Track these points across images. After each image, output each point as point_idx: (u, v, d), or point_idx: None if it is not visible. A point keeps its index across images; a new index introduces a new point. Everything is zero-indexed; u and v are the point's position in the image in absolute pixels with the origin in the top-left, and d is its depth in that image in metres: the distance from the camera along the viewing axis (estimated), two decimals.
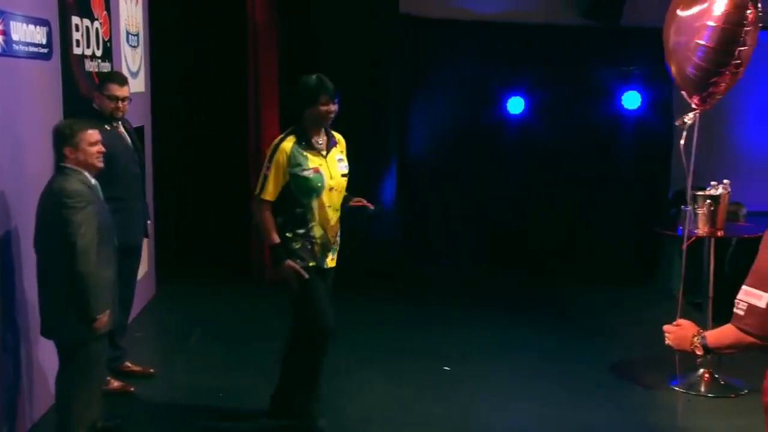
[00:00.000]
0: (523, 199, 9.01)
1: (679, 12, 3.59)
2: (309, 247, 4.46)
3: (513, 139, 9.10)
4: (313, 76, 4.41)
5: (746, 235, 5.94)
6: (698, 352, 2.78)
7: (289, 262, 4.38)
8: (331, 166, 4.49)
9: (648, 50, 8.10)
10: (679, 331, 2.85)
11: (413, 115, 9.17)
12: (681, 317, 3.02)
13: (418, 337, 6.60)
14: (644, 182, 9.11)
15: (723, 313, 3.34)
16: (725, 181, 5.65)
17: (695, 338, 2.77)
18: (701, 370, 5.54)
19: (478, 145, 9.19)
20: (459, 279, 8.61)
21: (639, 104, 8.86)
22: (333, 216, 4.53)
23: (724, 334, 2.70)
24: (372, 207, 4.64)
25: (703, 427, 4.97)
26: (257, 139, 8.03)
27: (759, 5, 3.45)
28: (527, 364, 5.96)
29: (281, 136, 4.52)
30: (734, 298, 2.66)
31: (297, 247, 4.44)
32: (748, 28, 3.47)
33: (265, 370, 5.17)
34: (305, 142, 4.43)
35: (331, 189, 4.48)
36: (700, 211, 5.60)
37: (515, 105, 9.05)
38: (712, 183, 5.67)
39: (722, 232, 5.67)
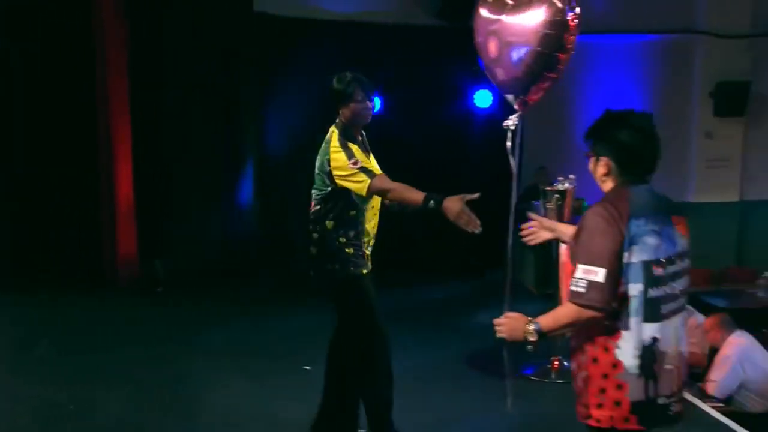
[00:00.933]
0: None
1: (503, 17, 3.72)
2: (360, 253, 4.17)
3: (370, 139, 9.02)
4: (348, 73, 4.15)
5: None
6: (532, 339, 2.89)
7: (452, 199, 3.74)
8: (374, 167, 4.12)
9: None
10: (511, 323, 2.96)
11: (270, 114, 9.10)
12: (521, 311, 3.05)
13: (277, 337, 6.58)
14: (496, 178, 9.33)
15: None
16: (571, 176, 5.79)
17: (528, 326, 2.90)
18: (551, 358, 5.74)
19: None
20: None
21: (490, 103, 9.04)
22: (376, 219, 4.30)
23: (560, 315, 2.88)
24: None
25: (554, 412, 5.08)
26: (107, 143, 7.76)
27: (578, 10, 3.64)
28: None
29: (331, 132, 4.17)
30: None
31: (350, 252, 4.13)
32: (571, 36, 3.63)
33: (118, 380, 5.03)
34: (352, 140, 4.15)
35: None
36: (548, 206, 5.77)
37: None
38: (560, 178, 5.82)
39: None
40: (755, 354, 5.98)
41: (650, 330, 2.80)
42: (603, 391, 2.86)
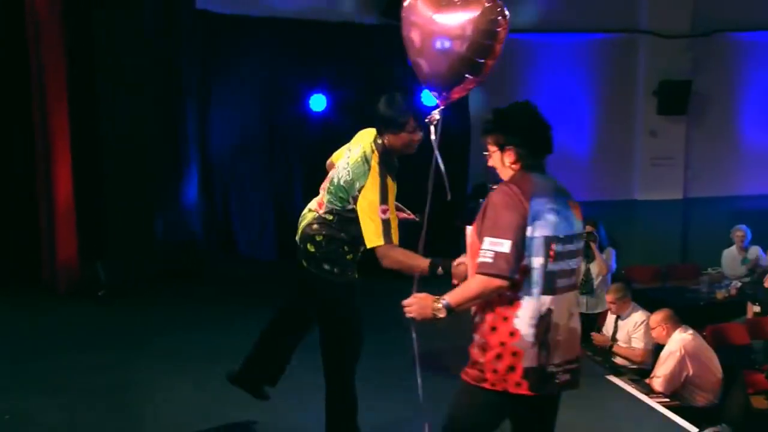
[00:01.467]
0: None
1: (434, 15, 3.77)
2: (357, 259, 4.15)
3: (315, 137, 9.07)
4: (399, 97, 3.97)
5: None
6: (441, 315, 3.12)
7: (461, 262, 3.58)
8: (394, 226, 3.90)
9: None
10: (419, 302, 3.20)
11: (214, 113, 9.04)
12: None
13: (223, 340, 6.43)
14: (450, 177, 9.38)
15: None
16: None
17: (435, 303, 3.14)
18: None
19: (281, 142, 9.19)
20: (264, 277, 8.44)
21: (436, 101, 9.03)
22: None
23: (466, 289, 3.12)
24: (417, 218, 4.22)
25: None
26: (45, 141, 7.58)
27: (507, 15, 3.70)
28: None
29: (370, 150, 3.92)
30: None
31: (350, 258, 4.11)
32: (499, 45, 3.70)
33: (58, 388, 4.92)
34: (392, 168, 3.98)
35: None
36: None
37: (317, 102, 9.11)
38: None
39: None
40: (699, 350, 6.11)
41: (547, 302, 3.06)
42: (499, 356, 3.10)
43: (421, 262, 3.72)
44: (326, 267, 4.08)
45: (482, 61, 3.70)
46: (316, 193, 4.25)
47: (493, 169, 3.34)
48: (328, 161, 4.39)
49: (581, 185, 9.86)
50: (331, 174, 4.19)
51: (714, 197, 10.75)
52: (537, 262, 3.05)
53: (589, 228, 8.02)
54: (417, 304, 3.19)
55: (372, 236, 3.82)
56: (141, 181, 8.11)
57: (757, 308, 7.90)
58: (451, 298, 3.12)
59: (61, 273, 7.69)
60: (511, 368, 3.09)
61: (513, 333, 3.08)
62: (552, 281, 3.07)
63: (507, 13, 3.72)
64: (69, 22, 7.60)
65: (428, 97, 9.40)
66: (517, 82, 9.83)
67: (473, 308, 3.21)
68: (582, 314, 7.71)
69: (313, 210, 4.17)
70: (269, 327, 4.54)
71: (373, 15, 9.06)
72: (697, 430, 4.87)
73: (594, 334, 7.25)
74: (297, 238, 4.23)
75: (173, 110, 8.41)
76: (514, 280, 3.03)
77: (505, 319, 3.09)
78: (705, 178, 10.75)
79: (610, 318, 7.12)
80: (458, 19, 3.68)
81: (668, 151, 10.56)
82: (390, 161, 3.97)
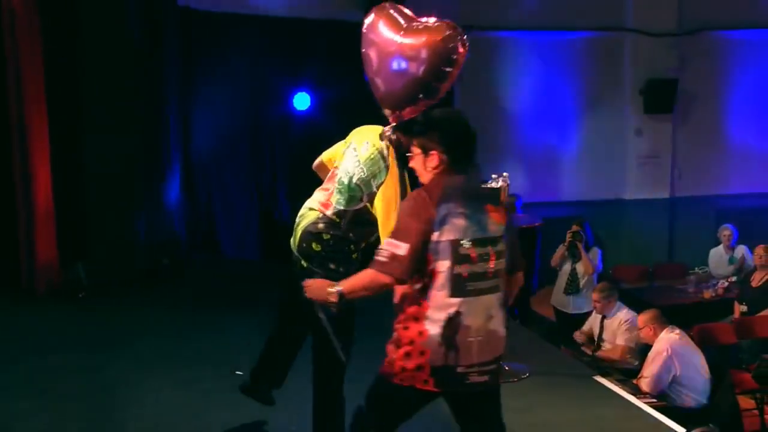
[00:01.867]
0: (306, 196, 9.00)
1: (395, 37, 3.79)
2: (358, 257, 4.09)
3: (299, 136, 9.08)
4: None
5: (523, 225, 6.32)
6: (333, 299, 3.34)
7: None
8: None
9: None
10: (316, 284, 3.46)
11: (196, 112, 9.01)
12: None
13: (207, 341, 6.43)
14: None
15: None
16: (504, 173, 5.52)
17: (330, 288, 3.36)
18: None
19: (265, 141, 9.16)
20: (247, 277, 8.43)
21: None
22: None
23: (359, 279, 3.33)
24: None
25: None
26: (23, 142, 7.46)
27: (467, 43, 3.76)
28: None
29: (393, 156, 3.83)
30: None
31: (354, 258, 4.06)
32: (456, 70, 3.76)
33: (40, 392, 4.87)
34: (405, 165, 3.75)
35: None
36: None
37: (301, 101, 9.12)
38: (493, 176, 5.52)
39: None
40: (687, 349, 6.16)
41: (455, 304, 3.18)
42: (408, 354, 3.26)
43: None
44: (331, 266, 3.99)
45: (438, 85, 3.76)
46: (305, 193, 4.20)
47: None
48: (318, 161, 4.33)
49: (567, 184, 10.34)
50: (337, 173, 4.08)
51: (701, 196, 10.82)
52: (444, 265, 3.18)
53: (575, 227, 8.11)
54: (314, 286, 3.45)
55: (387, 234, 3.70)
56: (122, 181, 8.02)
57: (744, 308, 7.91)
58: (344, 285, 3.35)
59: (41, 274, 7.60)
60: (419, 367, 3.25)
61: (422, 333, 3.24)
62: (461, 283, 3.19)
63: (466, 40, 3.76)
64: (46, 17, 7.48)
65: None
66: (502, 80, 9.91)
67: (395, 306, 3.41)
68: (569, 314, 8.02)
69: (316, 209, 4.09)
70: (273, 335, 4.46)
71: (357, 12, 8.67)
72: (685, 430, 4.87)
73: (576, 333, 7.28)
74: (295, 238, 4.13)
75: (155, 109, 8.33)
76: (405, 281, 3.23)
77: (416, 318, 3.26)
78: (691, 177, 10.79)
79: (596, 317, 7.12)
80: (417, 43, 3.73)
81: (655, 150, 10.62)
82: (403, 158, 3.83)
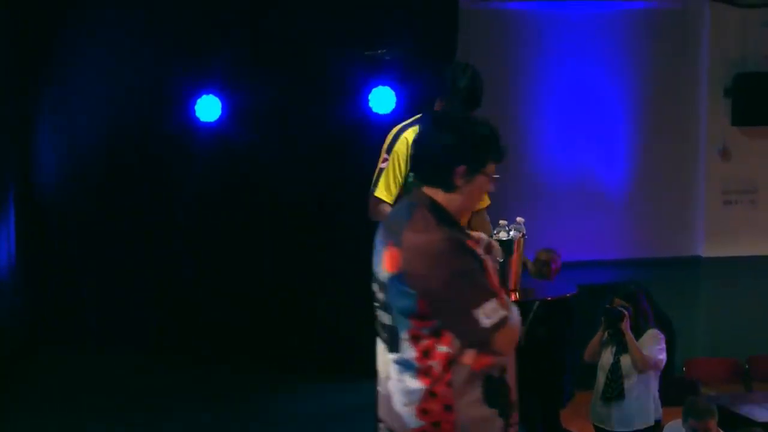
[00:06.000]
0: (219, 248, 8.67)
1: None
2: None
3: (204, 159, 8.74)
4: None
5: (549, 297, 6.08)
6: None
7: None
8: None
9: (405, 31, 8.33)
10: None
11: (43, 126, 8.74)
12: None
13: None
14: None
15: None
16: (519, 219, 5.61)
17: None
18: None
19: (151, 169, 8.74)
20: (112, 375, 8.23)
21: (393, 105, 8.76)
22: None
23: None
24: None
25: None
26: None
27: None
28: None
29: (403, 123, 5.17)
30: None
31: None
32: None
33: None
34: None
35: None
36: None
37: (207, 109, 8.70)
38: (501, 222, 5.65)
39: (517, 293, 5.64)
40: None
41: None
42: None
43: None
44: None
45: None
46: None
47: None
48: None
49: (613, 233, 10.10)
50: None
51: None
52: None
53: (617, 301, 7.61)
54: None
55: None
56: None
57: None
58: None
59: None
60: None
61: None
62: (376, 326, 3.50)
63: None
64: None
65: (380, 101, 9.48)
66: (518, 74, 9.68)
67: None
68: None
69: None
70: None
71: None
72: None
73: None
74: None
75: None
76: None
77: None
78: None
79: None
80: None
81: (750, 182, 10.23)
82: None
